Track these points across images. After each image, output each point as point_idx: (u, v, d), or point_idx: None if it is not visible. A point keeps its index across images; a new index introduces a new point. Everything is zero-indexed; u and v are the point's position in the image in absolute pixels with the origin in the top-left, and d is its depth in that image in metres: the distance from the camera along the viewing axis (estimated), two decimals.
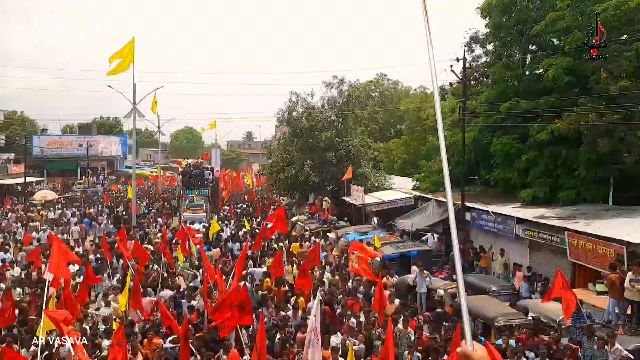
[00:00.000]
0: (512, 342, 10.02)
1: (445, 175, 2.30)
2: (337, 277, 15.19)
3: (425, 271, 14.32)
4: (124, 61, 24.71)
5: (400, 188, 27.62)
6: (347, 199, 26.50)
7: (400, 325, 10.66)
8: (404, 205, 24.18)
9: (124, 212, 31.20)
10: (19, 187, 43.89)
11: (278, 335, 10.49)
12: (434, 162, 25.64)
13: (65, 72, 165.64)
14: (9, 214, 30.54)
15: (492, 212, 18.24)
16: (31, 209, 32.08)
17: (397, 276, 15.66)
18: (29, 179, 44.00)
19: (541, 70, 18.14)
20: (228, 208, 33.45)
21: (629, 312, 11.64)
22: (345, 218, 26.09)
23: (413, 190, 25.72)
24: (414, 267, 15.10)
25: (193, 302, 12.51)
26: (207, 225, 25.24)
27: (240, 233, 22.45)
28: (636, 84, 15.35)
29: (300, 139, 29.98)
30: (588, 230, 13.83)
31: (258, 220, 27.41)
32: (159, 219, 28.16)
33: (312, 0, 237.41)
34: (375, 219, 23.99)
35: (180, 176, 37.18)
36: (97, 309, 12.45)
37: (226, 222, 25.96)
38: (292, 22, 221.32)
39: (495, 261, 17.55)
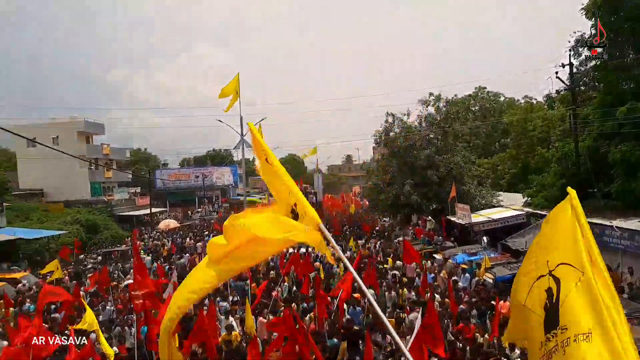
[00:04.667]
0: None
1: None
2: (446, 300, 14.79)
3: None
4: (233, 96, 27.12)
5: (510, 205, 26.30)
6: (452, 218, 25.82)
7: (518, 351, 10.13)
8: (515, 223, 22.97)
9: None
10: (144, 218, 48.64)
11: None
12: (546, 176, 24.12)
13: (180, 110, 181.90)
14: (138, 242, 33.89)
15: (617, 227, 16.72)
16: (157, 236, 35.34)
17: None
18: (153, 210, 48.61)
19: None
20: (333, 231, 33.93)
21: None
22: (452, 238, 25.36)
23: (524, 206, 24.37)
24: None
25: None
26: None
27: (346, 255, 22.77)
28: None
29: (398, 159, 29.85)
30: None
31: (362, 242, 27.51)
32: None
33: (399, 20, 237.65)
34: (484, 239, 23.03)
35: None
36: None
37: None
38: (381, 44, 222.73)
39: (624, 281, 15.98)
